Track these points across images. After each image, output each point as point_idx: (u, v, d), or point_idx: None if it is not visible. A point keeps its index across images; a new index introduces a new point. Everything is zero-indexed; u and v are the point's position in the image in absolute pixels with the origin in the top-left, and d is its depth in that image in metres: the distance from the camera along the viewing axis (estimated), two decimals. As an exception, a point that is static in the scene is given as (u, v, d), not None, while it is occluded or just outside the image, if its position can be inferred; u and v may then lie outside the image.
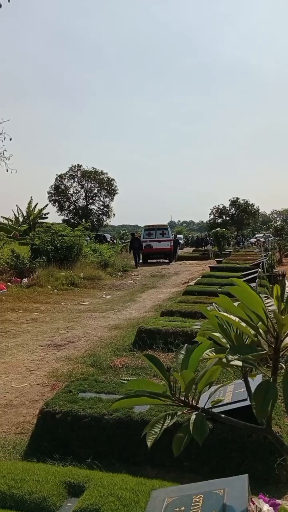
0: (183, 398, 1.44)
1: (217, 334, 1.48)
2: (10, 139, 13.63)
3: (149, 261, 22.21)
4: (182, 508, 1.85)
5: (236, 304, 1.35)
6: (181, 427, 1.42)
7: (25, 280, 12.91)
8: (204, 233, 47.88)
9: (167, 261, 22.50)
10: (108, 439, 2.99)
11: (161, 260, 22.74)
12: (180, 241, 39.62)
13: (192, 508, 1.81)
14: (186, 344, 1.58)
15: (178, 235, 30.42)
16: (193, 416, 1.36)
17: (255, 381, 1.58)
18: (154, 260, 22.53)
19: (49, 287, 12.28)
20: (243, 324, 1.27)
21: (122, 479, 2.31)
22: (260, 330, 1.27)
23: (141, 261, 20.64)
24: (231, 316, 1.32)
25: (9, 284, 12.25)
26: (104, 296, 11.93)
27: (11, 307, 9.75)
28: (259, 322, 1.27)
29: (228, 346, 1.46)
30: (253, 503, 1.77)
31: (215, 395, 2.50)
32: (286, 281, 1.45)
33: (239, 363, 1.24)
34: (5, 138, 13.46)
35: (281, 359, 1.31)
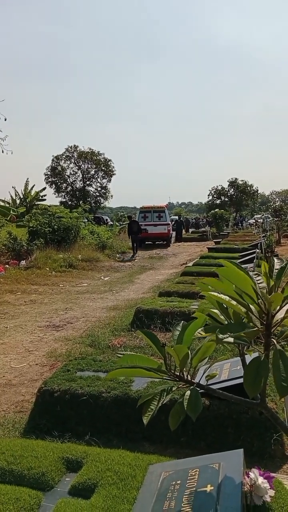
0: (178, 373, 1.44)
1: (216, 311, 1.48)
2: (5, 120, 13.34)
3: (146, 243, 20.53)
4: (178, 482, 1.88)
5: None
6: (177, 403, 1.43)
7: (23, 262, 12.89)
8: (195, 216, 47.25)
9: (164, 243, 20.98)
10: (106, 416, 3.03)
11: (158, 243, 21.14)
12: (189, 220, 39.15)
13: (188, 481, 1.84)
14: (182, 321, 1.58)
15: (180, 216, 28.94)
16: (188, 392, 1.37)
17: (252, 358, 1.59)
18: (151, 243, 20.75)
19: (47, 269, 12.28)
20: (234, 303, 1.26)
21: (119, 455, 2.34)
22: (252, 307, 1.26)
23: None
24: (222, 296, 1.30)
25: (7, 266, 12.24)
26: (102, 277, 11.95)
27: (9, 289, 9.76)
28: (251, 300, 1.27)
29: (226, 323, 1.46)
30: (248, 476, 1.80)
31: (211, 370, 2.51)
32: (275, 258, 1.44)
33: (231, 340, 1.23)
34: (0, 118, 13.21)
35: (273, 336, 1.31)
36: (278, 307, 1.31)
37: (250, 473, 1.80)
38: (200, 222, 41.09)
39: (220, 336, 1.25)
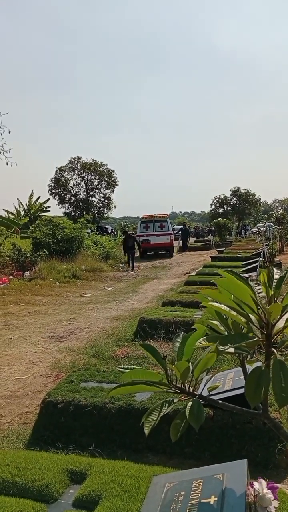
0: (180, 385, 1.45)
1: (215, 322, 1.50)
2: (9, 132, 13.51)
3: (148, 253, 20.12)
4: (182, 493, 1.88)
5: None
6: (178, 414, 1.44)
7: (27, 273, 12.95)
8: (196, 225, 46.86)
9: (167, 253, 20.39)
10: (110, 427, 3.02)
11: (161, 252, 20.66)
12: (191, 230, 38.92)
13: (192, 492, 1.84)
14: (182, 332, 1.60)
15: (185, 224, 28.00)
16: (190, 403, 1.38)
17: (253, 368, 1.60)
18: (153, 253, 20.29)
19: (51, 279, 12.32)
20: (234, 313, 1.28)
21: (123, 466, 2.34)
22: (252, 317, 1.28)
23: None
24: (222, 306, 1.32)
25: (11, 277, 12.29)
26: (106, 287, 11.96)
27: (13, 300, 9.79)
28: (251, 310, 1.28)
29: (226, 334, 1.48)
30: (252, 487, 1.79)
31: (213, 381, 2.52)
32: (274, 268, 1.46)
33: (231, 350, 1.25)
34: (4, 131, 13.36)
35: (274, 345, 1.32)
36: (278, 317, 1.32)
37: (254, 483, 1.80)
38: (201, 231, 41.08)
39: (221, 348, 1.26)
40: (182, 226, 25.70)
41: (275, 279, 1.44)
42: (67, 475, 2.36)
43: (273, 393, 1.13)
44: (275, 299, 1.34)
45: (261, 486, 1.80)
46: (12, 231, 18.51)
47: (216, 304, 1.39)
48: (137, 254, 18.34)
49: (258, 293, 1.38)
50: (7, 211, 31.27)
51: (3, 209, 31.07)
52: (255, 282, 1.48)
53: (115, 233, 31.13)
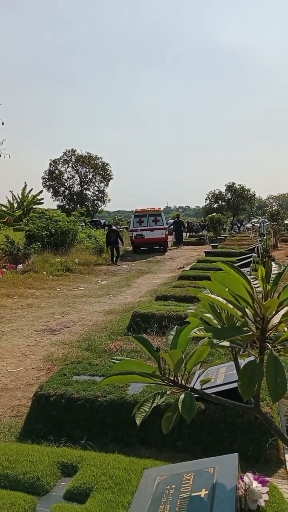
0: (172, 378, 1.45)
1: (209, 315, 1.49)
2: (3, 124, 13.43)
3: (141, 248, 19.47)
4: (173, 486, 1.88)
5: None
6: (171, 406, 1.44)
7: (20, 266, 12.88)
8: (186, 220, 45.98)
9: (161, 248, 19.66)
10: (101, 420, 3.02)
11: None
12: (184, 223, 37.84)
13: (182, 485, 1.85)
14: (176, 326, 1.59)
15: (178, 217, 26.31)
16: (182, 395, 1.38)
17: (246, 361, 1.60)
18: (146, 248, 19.59)
19: (44, 273, 12.27)
20: (231, 306, 1.28)
21: (114, 459, 2.34)
22: (248, 311, 1.27)
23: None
24: (219, 298, 1.32)
25: (4, 270, 12.22)
26: (99, 281, 11.94)
27: (6, 293, 9.74)
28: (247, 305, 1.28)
29: (219, 327, 1.47)
30: (243, 480, 1.80)
31: (206, 375, 2.52)
32: (272, 263, 1.45)
33: (226, 344, 1.24)
34: (-2, 122, 13.24)
35: (268, 340, 1.32)
36: (274, 312, 1.32)
37: (244, 477, 1.81)
38: (194, 226, 41.02)
39: (215, 340, 1.25)
40: (175, 219, 23.59)
41: (273, 274, 1.43)
42: (59, 467, 2.35)
43: (267, 387, 1.13)
44: (272, 294, 1.34)
45: (251, 479, 1.81)
46: (5, 221, 18.40)
47: (213, 296, 1.38)
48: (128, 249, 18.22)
49: (255, 287, 1.37)
50: (0, 204, 31.03)
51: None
52: (253, 277, 1.47)
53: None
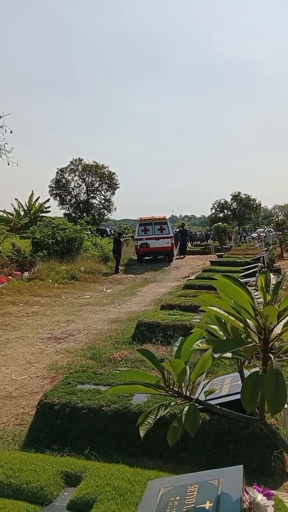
0: (177, 389, 1.45)
1: (214, 327, 1.49)
2: (11, 132, 13.55)
3: (146, 258, 18.97)
4: (177, 498, 1.87)
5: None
6: (175, 418, 1.43)
7: (26, 273, 12.94)
8: (189, 229, 45.41)
9: (166, 257, 19.14)
10: (106, 430, 3.01)
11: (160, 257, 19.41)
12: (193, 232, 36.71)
13: (186, 497, 1.83)
14: (180, 337, 1.59)
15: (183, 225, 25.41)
16: (186, 407, 1.37)
17: (249, 373, 1.59)
18: (151, 257, 19.14)
19: (50, 280, 12.31)
20: (232, 318, 1.28)
21: (118, 470, 2.33)
22: (250, 322, 1.27)
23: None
24: (220, 311, 1.32)
25: (10, 277, 12.28)
26: (104, 290, 11.95)
27: (12, 300, 9.78)
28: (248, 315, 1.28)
29: (225, 338, 1.47)
30: (247, 493, 1.78)
31: (211, 386, 2.51)
32: (270, 274, 1.45)
33: (229, 355, 1.24)
34: (6, 131, 13.39)
35: (272, 350, 1.32)
36: (276, 322, 1.32)
37: (249, 490, 1.79)
38: (198, 236, 40.99)
39: (216, 354, 1.25)
40: (180, 228, 22.97)
41: (272, 284, 1.44)
42: (62, 477, 2.34)
43: (266, 400, 1.13)
44: (272, 304, 1.34)
45: (256, 493, 1.79)
46: (11, 225, 18.52)
47: (215, 309, 1.38)
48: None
49: (257, 298, 1.38)
50: (5, 211, 31.20)
51: (1, 210, 30.98)
52: (254, 287, 1.47)
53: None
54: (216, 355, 1.22)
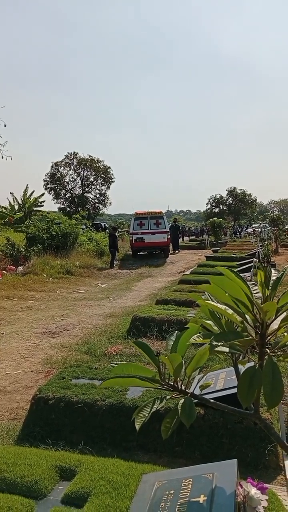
0: (172, 383, 1.44)
1: (209, 322, 1.49)
2: (5, 126, 13.42)
3: (140, 253, 18.65)
4: (172, 492, 1.87)
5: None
6: (170, 411, 1.43)
7: (20, 268, 12.89)
8: (182, 225, 44.59)
9: (161, 252, 18.80)
10: (100, 424, 3.01)
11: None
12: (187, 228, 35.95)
13: (181, 491, 1.84)
14: (176, 331, 1.59)
15: (176, 221, 24.50)
16: (182, 400, 1.37)
17: (246, 367, 1.59)
18: (146, 253, 18.77)
19: (45, 275, 12.27)
20: (230, 312, 1.27)
21: (113, 464, 2.33)
22: (247, 316, 1.27)
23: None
24: (218, 305, 1.31)
25: (4, 272, 12.22)
26: (99, 284, 11.94)
27: (6, 295, 9.74)
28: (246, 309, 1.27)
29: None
30: (241, 487, 1.79)
31: (206, 380, 2.51)
32: (271, 269, 1.45)
33: (226, 349, 1.24)
34: (0, 124, 13.27)
35: (268, 345, 1.31)
36: (273, 317, 1.31)
37: (243, 483, 1.80)
38: (193, 231, 40.96)
39: (215, 343, 1.25)
40: (171, 223, 22.37)
41: (272, 279, 1.43)
42: (57, 471, 2.34)
43: (263, 394, 1.12)
44: (271, 299, 1.34)
45: (250, 486, 1.79)
46: (5, 221, 18.42)
47: (211, 302, 1.37)
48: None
49: (254, 293, 1.37)
50: (1, 206, 31.06)
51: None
52: (252, 282, 1.47)
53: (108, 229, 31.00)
54: (216, 345, 1.21)
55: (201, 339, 1.29)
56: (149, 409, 1.37)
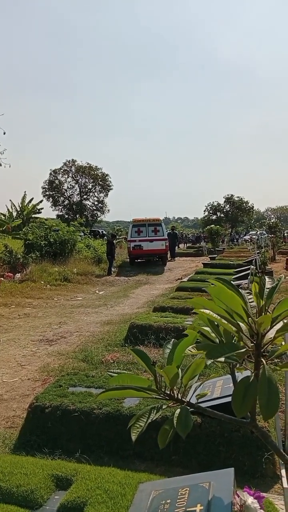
0: (168, 392, 1.45)
1: (207, 329, 1.49)
2: (4, 133, 13.51)
3: (138, 261, 18.49)
4: (168, 501, 1.86)
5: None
6: (166, 421, 1.43)
7: (18, 275, 12.87)
8: (189, 231, 44.68)
9: (159, 259, 18.67)
10: (97, 433, 3.00)
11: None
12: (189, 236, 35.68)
13: (178, 500, 1.83)
14: (173, 339, 1.59)
15: (174, 229, 24.31)
16: (178, 410, 1.37)
17: (244, 375, 1.60)
18: (144, 260, 18.58)
19: (42, 282, 12.25)
20: (224, 321, 1.28)
21: (109, 473, 2.33)
22: (243, 326, 1.28)
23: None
24: (214, 314, 1.32)
25: (2, 279, 12.20)
26: (97, 291, 11.93)
27: (3, 302, 9.72)
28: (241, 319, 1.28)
29: (217, 341, 1.47)
30: (238, 496, 1.79)
31: (202, 389, 2.51)
32: (265, 277, 1.46)
33: (221, 359, 1.24)
34: (-1, 132, 13.33)
35: (264, 354, 1.32)
36: (269, 327, 1.32)
37: (240, 493, 1.79)
38: (190, 238, 41.06)
39: (209, 361, 1.26)
40: (169, 231, 22.21)
41: (267, 288, 1.44)
42: (53, 480, 2.33)
43: (259, 405, 1.13)
44: (266, 308, 1.35)
45: (247, 495, 1.79)
46: (3, 229, 18.44)
47: (208, 311, 1.39)
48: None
49: (250, 302, 1.38)
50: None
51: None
52: (247, 290, 1.48)
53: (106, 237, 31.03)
54: (208, 362, 1.22)
55: (196, 350, 1.30)
56: (146, 419, 1.37)
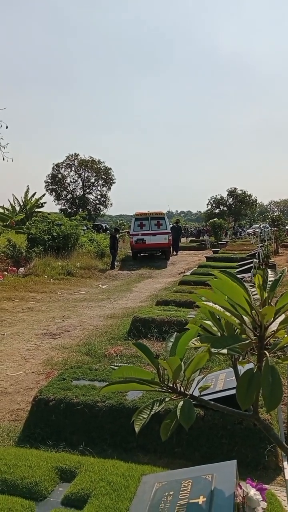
0: (171, 385, 1.45)
1: (209, 322, 1.49)
2: (7, 127, 13.48)
3: (141, 255, 18.18)
4: (171, 493, 1.88)
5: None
6: (169, 413, 1.44)
7: (21, 269, 12.90)
8: (192, 225, 44.48)
9: (161, 254, 18.37)
10: (100, 426, 3.02)
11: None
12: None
13: (180, 492, 1.84)
14: (175, 332, 1.59)
15: (178, 222, 24.01)
16: (181, 402, 1.38)
17: (246, 369, 1.60)
18: (146, 254, 18.30)
19: (46, 276, 12.28)
20: (228, 314, 1.28)
21: (113, 465, 2.34)
22: (246, 318, 1.28)
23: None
24: (216, 306, 1.32)
25: (6, 273, 12.24)
26: (100, 285, 11.95)
27: (7, 296, 9.75)
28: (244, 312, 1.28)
29: (219, 334, 1.48)
30: (241, 488, 1.80)
31: (205, 382, 2.52)
32: (268, 270, 1.45)
33: (224, 351, 1.24)
34: (1, 126, 13.32)
35: (267, 347, 1.32)
36: (272, 319, 1.32)
37: (242, 484, 1.80)
38: (193, 231, 40.96)
39: (213, 350, 1.26)
40: (173, 224, 21.94)
41: (270, 281, 1.44)
42: (57, 473, 2.35)
43: (262, 397, 1.13)
44: (269, 301, 1.34)
45: (249, 487, 1.80)
46: (7, 224, 18.47)
47: (211, 304, 1.38)
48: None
49: (253, 295, 1.38)
50: (2, 207, 31.14)
51: (-2, 206, 30.93)
52: (249, 283, 1.48)
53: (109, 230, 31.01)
54: (213, 350, 1.22)
55: (199, 343, 1.30)
56: (149, 411, 1.37)
